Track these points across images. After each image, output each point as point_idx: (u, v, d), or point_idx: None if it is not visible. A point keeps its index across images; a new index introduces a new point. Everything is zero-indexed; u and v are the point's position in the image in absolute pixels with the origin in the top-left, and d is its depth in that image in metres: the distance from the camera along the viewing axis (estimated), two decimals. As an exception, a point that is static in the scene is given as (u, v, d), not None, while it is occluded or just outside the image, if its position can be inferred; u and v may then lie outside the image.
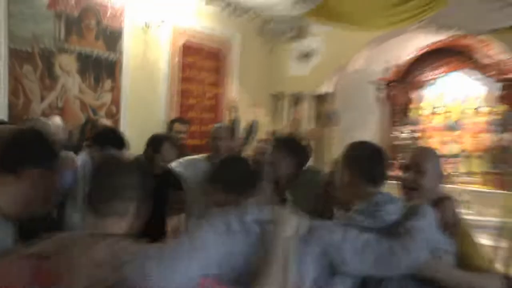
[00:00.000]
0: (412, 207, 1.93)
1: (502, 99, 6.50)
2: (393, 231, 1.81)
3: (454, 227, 2.12)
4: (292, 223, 1.70)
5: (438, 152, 2.52)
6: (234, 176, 1.99)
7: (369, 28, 5.24)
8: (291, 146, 3.22)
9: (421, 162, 2.31)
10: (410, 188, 2.33)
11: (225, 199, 1.92)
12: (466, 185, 6.63)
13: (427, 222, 1.84)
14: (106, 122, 4.91)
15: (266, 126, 6.81)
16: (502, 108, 6.56)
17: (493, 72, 6.57)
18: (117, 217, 1.60)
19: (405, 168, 2.41)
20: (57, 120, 4.39)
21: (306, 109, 7.37)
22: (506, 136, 6.42)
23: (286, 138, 3.74)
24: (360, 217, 1.88)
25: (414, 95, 7.33)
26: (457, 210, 2.25)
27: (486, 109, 6.70)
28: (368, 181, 1.99)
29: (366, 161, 2.04)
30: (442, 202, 2.23)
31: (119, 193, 1.60)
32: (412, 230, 1.78)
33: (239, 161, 2.21)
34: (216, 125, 4.19)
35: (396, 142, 7.29)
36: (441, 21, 4.83)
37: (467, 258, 2.03)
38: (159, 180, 3.06)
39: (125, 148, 3.29)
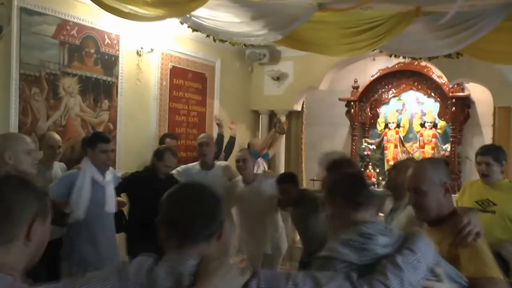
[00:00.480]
0: (406, 238, 1.69)
1: (440, 116, 7.19)
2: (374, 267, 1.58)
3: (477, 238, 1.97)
4: None
5: (433, 159, 2.49)
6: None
7: (331, 54, 5.68)
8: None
9: (418, 186, 2.15)
10: (417, 209, 2.20)
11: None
12: None
13: (413, 257, 1.59)
14: None
15: (245, 140, 7.28)
16: (442, 123, 7.27)
17: (433, 93, 7.25)
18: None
19: (407, 189, 2.27)
20: (56, 137, 4.72)
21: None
22: (447, 147, 7.10)
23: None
24: (344, 250, 1.63)
25: (372, 112, 7.93)
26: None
27: (430, 124, 7.38)
28: (353, 207, 1.80)
29: (347, 187, 1.88)
30: (466, 213, 2.06)
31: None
32: (388, 267, 1.55)
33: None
34: (201, 135, 4.78)
35: (360, 153, 7.88)
36: (392, 48, 5.37)
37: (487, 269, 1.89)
38: (163, 184, 3.23)
39: None
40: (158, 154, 4.44)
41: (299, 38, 5.05)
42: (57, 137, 4.75)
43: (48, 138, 4.71)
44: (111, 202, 4.00)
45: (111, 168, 4.18)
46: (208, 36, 4.89)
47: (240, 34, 4.71)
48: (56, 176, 4.36)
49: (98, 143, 3.93)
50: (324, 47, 5.31)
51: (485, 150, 3.77)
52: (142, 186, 4.28)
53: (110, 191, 4.01)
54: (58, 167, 4.55)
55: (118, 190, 4.32)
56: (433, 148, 7.36)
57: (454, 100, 6.97)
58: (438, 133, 7.43)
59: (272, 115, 7.94)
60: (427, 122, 7.48)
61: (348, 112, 7.97)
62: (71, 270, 3.81)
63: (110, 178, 4.05)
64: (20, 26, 4.65)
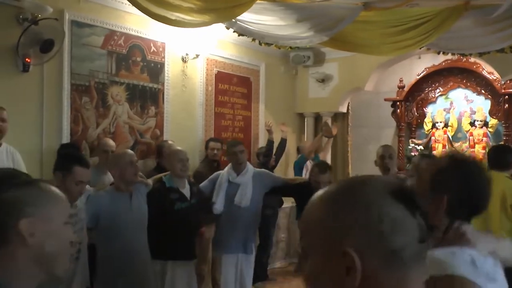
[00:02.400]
0: None
1: (492, 113, 6.95)
2: None
3: None
4: None
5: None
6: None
7: (377, 54, 5.66)
8: None
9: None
10: None
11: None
12: None
13: None
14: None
15: (291, 143, 7.28)
16: (494, 121, 7.05)
17: (483, 90, 7.06)
18: None
19: None
20: (110, 142, 4.91)
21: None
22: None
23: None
24: None
25: (419, 111, 7.76)
26: None
27: (481, 123, 7.15)
28: None
29: None
30: None
31: None
32: None
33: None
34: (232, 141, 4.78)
35: (407, 154, 7.68)
36: (440, 46, 5.28)
37: None
38: None
39: None
40: None
41: (345, 39, 5.03)
42: (111, 142, 4.92)
43: (103, 143, 4.87)
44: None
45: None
46: (253, 40, 4.91)
47: (286, 37, 4.71)
48: (110, 180, 4.42)
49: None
50: (370, 47, 5.28)
51: None
52: None
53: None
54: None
55: None
56: (484, 148, 7.13)
57: (507, 96, 6.73)
58: (490, 132, 7.19)
59: (317, 117, 7.92)
60: (477, 121, 7.25)
61: (394, 113, 7.83)
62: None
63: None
64: (71, 39, 4.80)
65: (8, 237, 1.14)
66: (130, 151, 3.93)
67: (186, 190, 4.09)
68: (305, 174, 5.86)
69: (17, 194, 1.16)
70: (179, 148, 4.49)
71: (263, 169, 5.03)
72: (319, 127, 7.75)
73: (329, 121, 7.74)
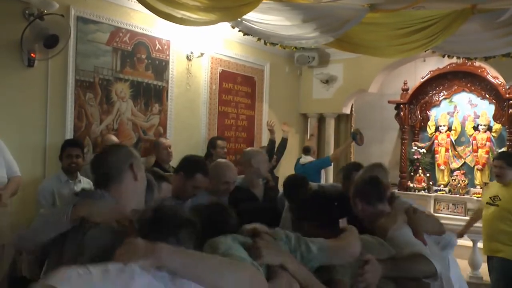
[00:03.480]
0: None
1: (496, 118, 6.94)
2: None
3: None
4: None
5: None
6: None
7: (382, 56, 5.61)
8: None
9: None
10: None
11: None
12: (469, 195, 7.11)
13: None
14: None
15: (293, 143, 7.32)
16: (498, 126, 7.04)
17: (488, 95, 7.06)
18: None
19: None
20: (113, 138, 4.95)
21: (331, 128, 7.86)
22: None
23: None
24: None
25: (422, 114, 7.77)
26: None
27: (485, 127, 7.17)
28: None
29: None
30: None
31: None
32: None
33: None
34: (253, 149, 4.39)
35: (409, 157, 7.71)
36: (445, 49, 5.25)
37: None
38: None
39: None
40: None
41: (350, 40, 5.00)
42: (114, 138, 4.96)
43: (106, 139, 4.90)
44: None
45: None
46: (258, 39, 4.90)
47: (291, 37, 4.70)
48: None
49: None
50: (376, 48, 5.25)
51: (499, 155, 4.83)
52: None
53: None
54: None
55: None
56: (487, 152, 7.13)
57: (511, 101, 6.71)
58: (493, 136, 7.19)
59: (321, 118, 7.91)
60: (481, 125, 7.26)
61: (397, 115, 7.83)
62: None
63: None
64: (76, 35, 4.80)
65: (122, 177, 1.87)
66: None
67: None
68: (324, 179, 5.84)
69: (127, 149, 2.01)
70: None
71: None
72: (326, 129, 7.77)
73: (332, 123, 7.74)
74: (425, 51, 5.53)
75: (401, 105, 7.73)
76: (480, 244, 5.17)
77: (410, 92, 7.66)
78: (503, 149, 6.85)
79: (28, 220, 3.34)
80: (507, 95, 6.72)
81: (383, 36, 5.01)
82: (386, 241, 2.23)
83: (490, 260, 4.52)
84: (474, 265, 5.75)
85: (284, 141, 6.35)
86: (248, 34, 4.70)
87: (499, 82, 6.78)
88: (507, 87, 6.69)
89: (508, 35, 4.55)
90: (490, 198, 4.49)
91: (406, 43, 4.97)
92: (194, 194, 3.34)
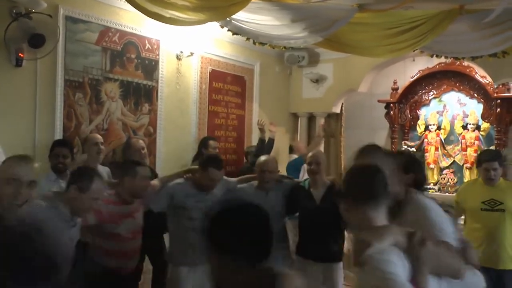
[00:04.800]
0: None
1: (484, 117, 6.97)
2: None
3: None
4: None
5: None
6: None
7: (371, 55, 5.64)
8: None
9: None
10: None
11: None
12: None
13: None
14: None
15: (284, 142, 7.34)
16: (486, 125, 7.10)
17: (476, 94, 7.11)
18: None
19: None
20: (98, 135, 4.87)
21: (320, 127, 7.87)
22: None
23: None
24: None
25: (412, 114, 7.80)
26: None
27: (473, 126, 7.20)
28: None
29: None
30: None
31: None
32: None
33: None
34: (263, 158, 4.36)
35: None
36: (433, 49, 5.29)
37: None
38: None
39: None
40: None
41: (339, 40, 5.04)
42: (98, 135, 4.90)
43: (91, 137, 4.85)
44: None
45: None
46: (248, 39, 4.91)
47: (280, 37, 4.72)
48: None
49: None
50: (365, 48, 5.29)
51: (491, 157, 4.13)
52: None
53: None
54: (103, 171, 4.62)
55: None
56: (476, 151, 7.16)
57: (499, 101, 6.76)
58: (482, 135, 7.24)
59: (311, 117, 7.93)
60: (470, 124, 7.29)
61: (387, 114, 7.86)
62: None
63: None
64: (65, 34, 4.78)
65: None
66: None
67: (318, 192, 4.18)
68: (303, 176, 5.85)
69: None
70: None
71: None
72: (316, 127, 7.77)
73: (323, 122, 7.77)
74: (414, 51, 5.55)
75: (391, 104, 7.75)
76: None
77: (399, 91, 7.68)
78: (492, 147, 6.90)
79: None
80: (495, 95, 6.77)
81: (372, 36, 5.05)
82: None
83: (493, 272, 3.90)
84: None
85: (270, 141, 6.33)
86: (237, 34, 4.72)
87: (487, 82, 6.82)
88: (495, 86, 6.73)
89: (494, 36, 4.60)
90: (485, 203, 4.05)
91: (395, 43, 5.01)
92: (212, 187, 3.89)
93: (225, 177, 4.23)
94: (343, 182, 1.90)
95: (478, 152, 6.65)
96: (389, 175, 1.89)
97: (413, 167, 2.52)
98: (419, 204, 2.19)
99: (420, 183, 2.52)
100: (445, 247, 1.81)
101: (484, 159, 4.13)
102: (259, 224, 1.61)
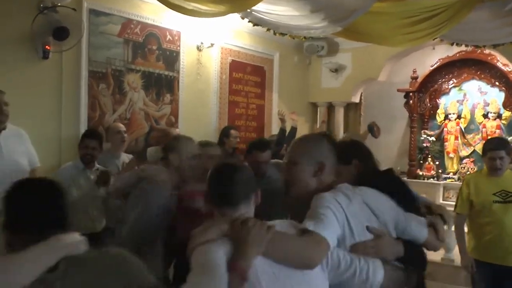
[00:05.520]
0: None
1: (506, 106, 6.95)
2: None
3: None
4: None
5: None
6: None
7: (390, 45, 5.65)
8: None
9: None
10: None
11: None
12: None
13: None
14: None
15: (303, 132, 7.39)
16: (508, 114, 7.04)
17: (497, 82, 7.06)
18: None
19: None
20: (120, 125, 4.98)
21: (341, 117, 7.91)
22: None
23: None
24: None
25: (432, 103, 7.79)
26: None
27: (494, 115, 7.15)
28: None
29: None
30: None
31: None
32: None
33: None
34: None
35: (419, 145, 7.74)
36: (453, 37, 5.28)
37: None
38: None
39: None
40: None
41: (358, 29, 5.03)
42: (121, 124, 5.03)
43: (114, 126, 4.99)
44: None
45: None
46: (268, 30, 4.95)
47: (300, 27, 4.76)
48: (121, 164, 4.54)
49: None
50: (383, 38, 5.28)
51: (498, 145, 3.81)
52: None
53: None
54: (126, 157, 4.75)
55: None
56: (496, 139, 7.13)
57: (522, 88, 6.72)
58: (503, 124, 7.19)
59: (330, 107, 7.95)
60: (491, 113, 7.25)
61: (406, 103, 7.85)
62: None
63: None
64: (89, 27, 4.91)
65: None
66: None
67: None
68: None
69: None
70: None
71: None
72: (335, 117, 7.84)
73: (341, 112, 7.79)
74: (433, 40, 5.53)
75: (410, 94, 7.74)
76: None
77: (419, 80, 7.66)
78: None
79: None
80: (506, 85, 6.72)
81: (391, 26, 5.03)
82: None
83: (504, 269, 3.75)
84: (446, 248, 5.74)
85: (293, 130, 6.41)
86: (257, 25, 4.76)
87: (509, 70, 6.77)
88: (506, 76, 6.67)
89: (515, 23, 4.58)
90: (496, 195, 3.78)
91: (414, 31, 5.00)
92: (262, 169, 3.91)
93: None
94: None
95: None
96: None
97: (355, 155, 2.35)
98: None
99: (368, 171, 2.28)
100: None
101: (488, 148, 3.86)
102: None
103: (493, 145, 3.85)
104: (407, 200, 2.10)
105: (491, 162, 3.79)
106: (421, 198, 2.54)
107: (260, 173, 3.83)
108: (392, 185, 2.12)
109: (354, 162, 2.30)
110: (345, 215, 1.78)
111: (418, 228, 2.00)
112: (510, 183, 3.79)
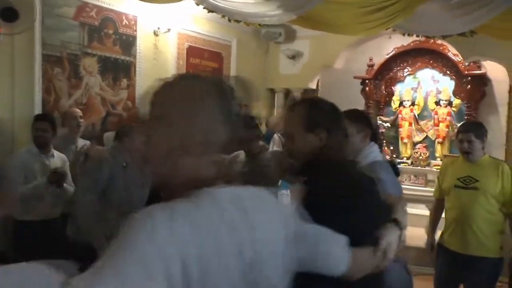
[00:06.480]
0: None
1: (456, 94, 7.15)
2: None
3: None
4: None
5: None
6: None
7: (346, 33, 5.74)
8: None
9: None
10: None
11: None
12: (430, 167, 7.39)
13: None
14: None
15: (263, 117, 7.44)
16: (458, 101, 7.28)
17: (448, 71, 7.28)
18: None
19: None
20: (77, 111, 4.90)
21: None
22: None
23: None
24: None
25: (387, 90, 7.94)
26: None
27: (445, 103, 7.36)
28: None
29: None
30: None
31: None
32: None
33: None
34: None
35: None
36: (406, 27, 5.43)
37: None
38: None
39: None
40: None
41: (314, 18, 5.08)
42: (77, 109, 4.96)
43: (70, 111, 4.93)
44: None
45: None
46: (223, 16, 4.98)
47: (255, 14, 4.79)
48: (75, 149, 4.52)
49: None
50: (339, 27, 5.35)
51: (466, 127, 3.71)
52: None
53: None
54: (82, 142, 4.71)
55: None
56: (447, 126, 7.37)
57: (469, 78, 6.93)
58: (453, 111, 7.42)
59: (287, 93, 8.04)
60: (442, 100, 7.45)
61: (363, 91, 7.97)
62: None
63: None
64: (42, 9, 4.81)
65: None
66: None
67: None
68: (272, 147, 6.01)
69: None
70: None
71: None
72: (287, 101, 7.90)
73: (298, 97, 7.90)
74: (386, 30, 5.65)
75: (367, 81, 7.83)
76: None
77: (375, 68, 7.76)
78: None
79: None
80: (466, 72, 6.94)
81: (347, 15, 5.10)
82: None
83: (461, 257, 3.64)
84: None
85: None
86: (212, 11, 4.78)
87: (459, 59, 6.97)
88: (466, 64, 6.90)
89: (463, 15, 4.73)
90: (460, 180, 3.63)
91: (368, 21, 5.08)
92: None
93: None
94: None
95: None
96: None
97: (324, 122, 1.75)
98: None
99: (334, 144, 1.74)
100: None
101: (458, 130, 3.78)
102: None
103: (463, 127, 3.77)
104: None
105: (460, 144, 3.66)
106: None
107: None
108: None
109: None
110: None
111: None
112: (480, 169, 3.60)
